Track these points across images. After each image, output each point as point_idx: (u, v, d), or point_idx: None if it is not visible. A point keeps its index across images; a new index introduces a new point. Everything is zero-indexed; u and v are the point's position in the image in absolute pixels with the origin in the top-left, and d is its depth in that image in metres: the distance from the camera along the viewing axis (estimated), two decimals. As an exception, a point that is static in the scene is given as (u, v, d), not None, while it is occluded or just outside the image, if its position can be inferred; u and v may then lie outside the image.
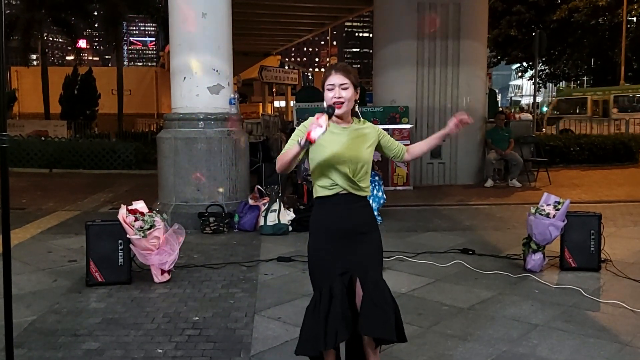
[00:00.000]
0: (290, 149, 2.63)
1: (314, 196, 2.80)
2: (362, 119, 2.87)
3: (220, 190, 7.19)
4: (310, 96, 13.12)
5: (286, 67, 35.71)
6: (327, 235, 2.73)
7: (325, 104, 2.70)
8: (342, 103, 2.68)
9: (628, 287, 4.77)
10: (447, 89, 11.04)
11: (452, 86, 11.04)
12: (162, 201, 7.30)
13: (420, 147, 2.97)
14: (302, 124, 2.76)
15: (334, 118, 2.69)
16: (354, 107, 2.78)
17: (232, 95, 7.44)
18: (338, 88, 2.69)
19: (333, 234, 2.72)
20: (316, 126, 2.46)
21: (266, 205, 6.93)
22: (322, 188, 2.75)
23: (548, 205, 5.12)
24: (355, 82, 2.73)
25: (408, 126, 10.39)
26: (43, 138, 15.16)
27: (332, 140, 2.69)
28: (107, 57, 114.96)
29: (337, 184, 2.71)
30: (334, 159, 2.69)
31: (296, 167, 10.03)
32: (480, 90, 11.52)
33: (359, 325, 2.67)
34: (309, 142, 2.47)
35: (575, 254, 5.16)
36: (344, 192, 2.72)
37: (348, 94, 2.70)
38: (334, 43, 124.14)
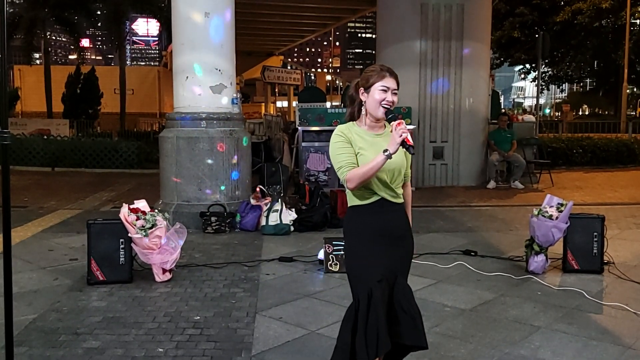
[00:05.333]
0: (371, 164, 2.49)
1: (349, 205, 2.71)
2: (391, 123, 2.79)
3: (222, 189, 7.18)
4: (312, 96, 13.10)
5: (289, 68, 35.72)
6: (367, 239, 2.64)
7: (378, 106, 2.61)
8: (396, 114, 2.63)
9: (631, 289, 4.76)
10: (450, 90, 11.02)
11: (455, 87, 11.03)
12: (164, 200, 7.30)
13: (406, 204, 2.80)
14: (337, 133, 2.64)
15: (369, 123, 2.66)
16: None
17: (235, 95, 7.44)
18: (391, 92, 2.63)
19: (373, 237, 2.63)
20: (407, 132, 2.45)
21: (268, 205, 6.92)
22: (358, 197, 2.66)
23: (551, 207, 5.10)
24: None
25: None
26: (45, 137, 15.16)
27: (372, 147, 2.59)
28: (109, 56, 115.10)
29: (375, 193, 2.63)
30: None
31: (297, 167, 10.06)
32: (483, 91, 11.50)
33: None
34: (412, 148, 2.49)
35: (578, 256, 5.15)
36: (381, 199, 2.64)
37: (396, 100, 2.66)
38: (337, 44, 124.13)
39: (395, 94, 2.65)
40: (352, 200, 2.69)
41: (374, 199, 2.63)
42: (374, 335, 2.50)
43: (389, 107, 2.61)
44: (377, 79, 2.63)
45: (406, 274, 2.75)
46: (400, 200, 2.72)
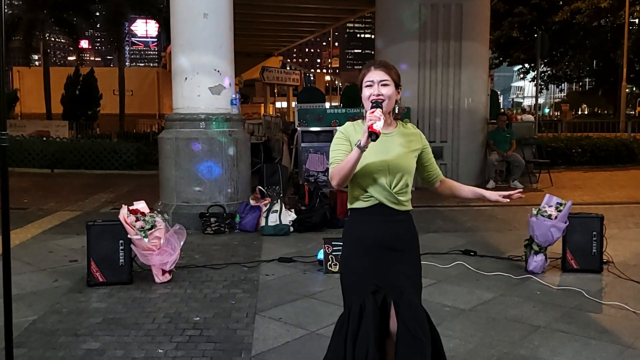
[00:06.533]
0: (347, 158, 2.36)
1: (348, 206, 2.58)
2: (406, 122, 2.63)
3: (221, 190, 7.19)
4: (311, 97, 13.11)
5: (288, 68, 35.73)
6: (360, 249, 2.50)
7: (365, 107, 2.45)
8: (382, 101, 2.41)
9: (630, 288, 4.76)
10: (449, 90, 11.02)
11: (454, 87, 11.03)
12: (164, 201, 7.30)
13: (456, 189, 2.73)
14: (340, 129, 2.53)
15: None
16: (395, 108, 2.53)
17: (234, 96, 7.44)
18: (377, 85, 2.44)
19: (366, 247, 2.48)
20: (375, 119, 2.27)
21: (267, 206, 6.93)
22: (356, 199, 2.51)
23: (550, 206, 5.11)
24: (396, 79, 2.49)
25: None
26: (45, 138, 15.17)
27: (375, 147, 2.37)
28: (108, 57, 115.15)
29: (372, 196, 2.47)
30: (371, 167, 2.42)
31: (297, 168, 10.06)
32: (482, 91, 11.51)
33: (391, 352, 2.46)
34: (375, 135, 2.25)
35: (577, 255, 5.15)
36: (379, 204, 2.48)
37: (389, 91, 2.44)
38: (336, 44, 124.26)
39: (386, 85, 2.45)
40: (351, 202, 2.55)
41: (371, 202, 2.48)
42: (363, 350, 2.38)
43: (378, 101, 2.41)
44: (362, 76, 2.51)
45: (416, 292, 2.53)
46: (404, 209, 2.52)
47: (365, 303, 2.43)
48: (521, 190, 2.64)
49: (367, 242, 2.50)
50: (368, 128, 2.26)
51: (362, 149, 2.29)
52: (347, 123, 2.57)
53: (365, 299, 2.44)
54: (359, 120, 2.57)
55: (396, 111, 2.55)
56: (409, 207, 2.56)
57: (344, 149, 2.46)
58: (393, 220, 2.50)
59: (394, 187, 2.47)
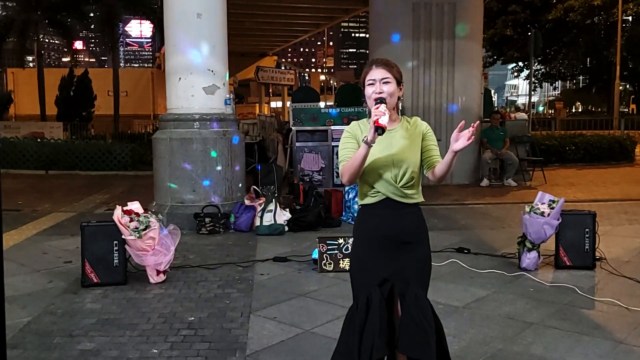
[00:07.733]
0: (355, 155, 2.43)
1: (358, 203, 2.65)
2: (411, 117, 2.66)
3: (216, 190, 7.19)
4: (306, 96, 13.10)
5: (282, 68, 35.73)
6: (368, 242, 2.56)
7: (368, 105, 2.50)
8: (385, 98, 2.47)
9: (623, 285, 4.79)
10: (443, 89, 11.06)
11: (448, 86, 11.07)
12: (158, 202, 7.30)
13: (441, 168, 2.60)
14: (347, 128, 2.59)
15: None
16: (398, 104, 2.58)
17: (228, 96, 7.45)
18: (379, 83, 2.50)
19: (375, 241, 2.54)
20: (380, 114, 2.33)
21: (262, 206, 6.93)
22: (365, 195, 2.58)
23: (543, 204, 5.13)
24: (398, 77, 2.55)
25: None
26: (39, 140, 15.11)
27: (380, 143, 2.45)
28: (103, 58, 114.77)
29: (379, 191, 2.53)
30: (376, 163, 2.49)
31: (292, 167, 10.07)
32: (476, 90, 11.54)
33: (396, 341, 2.50)
34: (381, 129, 2.32)
35: (570, 252, 5.18)
36: (386, 199, 2.53)
37: (390, 88, 2.50)
38: (331, 43, 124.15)
39: (387, 82, 2.51)
40: (360, 198, 2.62)
41: (379, 197, 2.54)
42: (369, 339, 2.43)
43: (381, 98, 2.47)
44: (364, 75, 2.58)
45: (422, 284, 2.57)
46: (412, 201, 2.58)
47: (372, 295, 2.49)
48: (472, 128, 2.47)
49: (375, 236, 2.55)
50: (374, 123, 2.33)
51: (369, 144, 2.37)
52: (353, 122, 2.64)
53: (372, 291, 2.50)
54: (364, 120, 2.63)
55: (399, 107, 2.61)
56: (418, 199, 2.62)
57: (352, 147, 2.53)
58: (401, 213, 2.56)
59: (399, 181, 2.53)
